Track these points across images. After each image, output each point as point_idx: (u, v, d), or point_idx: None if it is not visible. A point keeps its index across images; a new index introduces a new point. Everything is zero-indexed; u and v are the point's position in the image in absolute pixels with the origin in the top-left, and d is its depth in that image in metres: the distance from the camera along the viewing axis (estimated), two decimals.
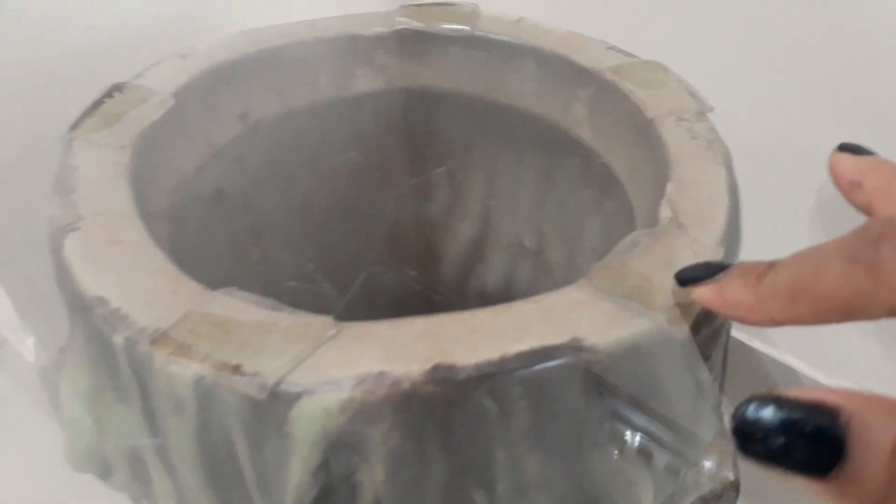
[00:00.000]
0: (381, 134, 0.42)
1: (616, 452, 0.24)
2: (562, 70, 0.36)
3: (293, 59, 0.38)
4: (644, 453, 0.24)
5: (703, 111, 0.31)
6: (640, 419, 0.24)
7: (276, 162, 0.38)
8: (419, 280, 0.48)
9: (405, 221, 0.46)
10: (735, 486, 0.38)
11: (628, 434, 0.24)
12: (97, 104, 0.32)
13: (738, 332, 0.56)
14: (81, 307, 0.24)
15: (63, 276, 0.24)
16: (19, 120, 0.39)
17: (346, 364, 0.21)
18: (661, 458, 0.24)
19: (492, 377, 0.21)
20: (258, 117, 0.38)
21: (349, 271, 0.46)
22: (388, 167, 0.44)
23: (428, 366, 0.21)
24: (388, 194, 0.45)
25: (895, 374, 0.51)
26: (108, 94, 0.33)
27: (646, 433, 0.23)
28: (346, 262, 0.45)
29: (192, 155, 0.34)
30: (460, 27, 0.39)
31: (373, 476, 0.22)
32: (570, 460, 0.23)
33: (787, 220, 0.43)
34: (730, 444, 0.40)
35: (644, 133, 0.32)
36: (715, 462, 0.38)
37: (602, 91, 0.35)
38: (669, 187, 0.28)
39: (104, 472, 0.27)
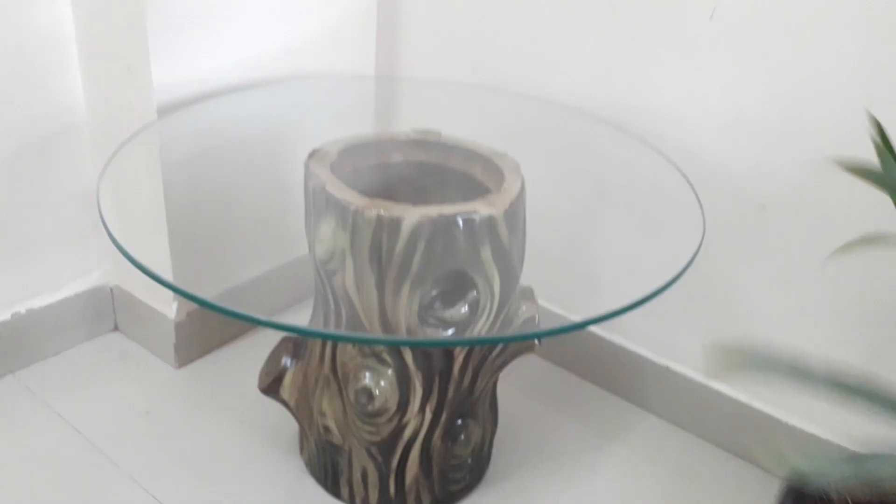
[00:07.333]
0: (399, 179, 1.05)
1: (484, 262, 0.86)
2: (472, 154, 1.01)
3: (370, 146, 1.01)
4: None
5: (516, 164, 0.96)
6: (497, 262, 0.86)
7: (361, 177, 1.01)
8: None
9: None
10: (536, 319, 1.08)
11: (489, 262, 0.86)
12: (312, 154, 0.94)
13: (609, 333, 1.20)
14: (335, 202, 0.85)
15: (328, 196, 0.86)
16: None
17: (408, 214, 0.83)
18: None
19: (446, 218, 0.83)
20: (359, 167, 1.00)
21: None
22: (396, 190, 1.06)
23: (422, 217, 0.83)
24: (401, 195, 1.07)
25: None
26: (314, 152, 0.95)
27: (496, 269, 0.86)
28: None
29: (344, 170, 0.96)
30: (435, 140, 1.03)
31: (411, 248, 0.83)
32: (470, 257, 0.85)
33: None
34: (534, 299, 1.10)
35: (497, 172, 0.96)
36: (526, 306, 1.06)
37: (486, 161, 0.99)
38: (504, 183, 0.91)
39: (342, 258, 0.86)
